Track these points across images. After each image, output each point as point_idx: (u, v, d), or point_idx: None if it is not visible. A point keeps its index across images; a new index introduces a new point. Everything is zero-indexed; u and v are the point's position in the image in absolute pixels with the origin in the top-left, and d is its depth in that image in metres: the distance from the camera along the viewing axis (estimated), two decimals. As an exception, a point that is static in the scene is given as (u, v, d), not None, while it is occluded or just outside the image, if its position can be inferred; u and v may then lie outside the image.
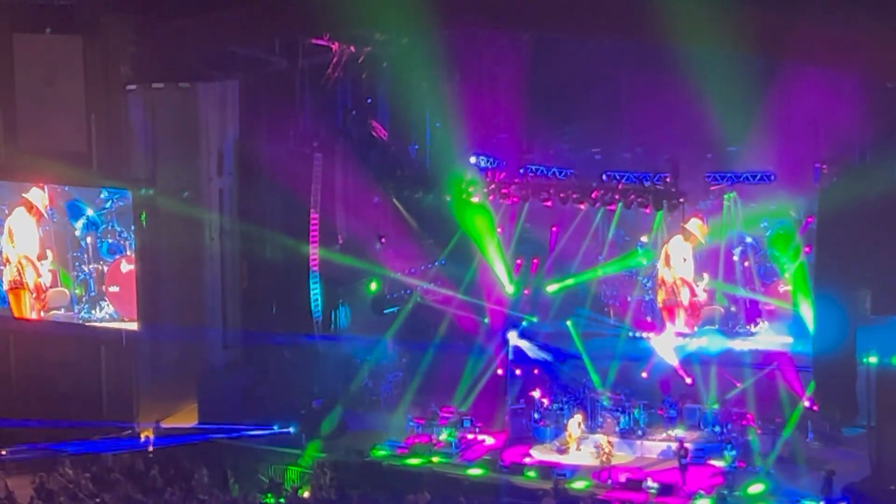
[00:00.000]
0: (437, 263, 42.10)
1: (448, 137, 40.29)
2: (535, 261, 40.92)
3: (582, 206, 39.19)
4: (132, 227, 37.73)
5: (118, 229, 37.95)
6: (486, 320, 41.14)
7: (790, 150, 36.81)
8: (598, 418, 37.43)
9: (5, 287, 38.95)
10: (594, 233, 40.15)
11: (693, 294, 38.77)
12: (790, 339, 37.76)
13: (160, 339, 38.79)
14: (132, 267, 37.89)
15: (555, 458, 36.42)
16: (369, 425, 38.69)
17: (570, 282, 40.21)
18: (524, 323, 40.52)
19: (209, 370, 39.90)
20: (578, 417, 37.02)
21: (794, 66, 34.22)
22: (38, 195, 38.18)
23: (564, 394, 38.59)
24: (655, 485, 33.84)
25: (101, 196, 37.96)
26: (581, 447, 36.64)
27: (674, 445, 35.51)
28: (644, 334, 39.58)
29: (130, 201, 37.60)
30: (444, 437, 37.18)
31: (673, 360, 38.44)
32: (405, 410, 38.74)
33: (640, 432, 37.05)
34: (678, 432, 36.60)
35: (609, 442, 35.57)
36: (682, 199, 37.73)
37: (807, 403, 36.44)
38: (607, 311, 40.46)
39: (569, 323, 39.83)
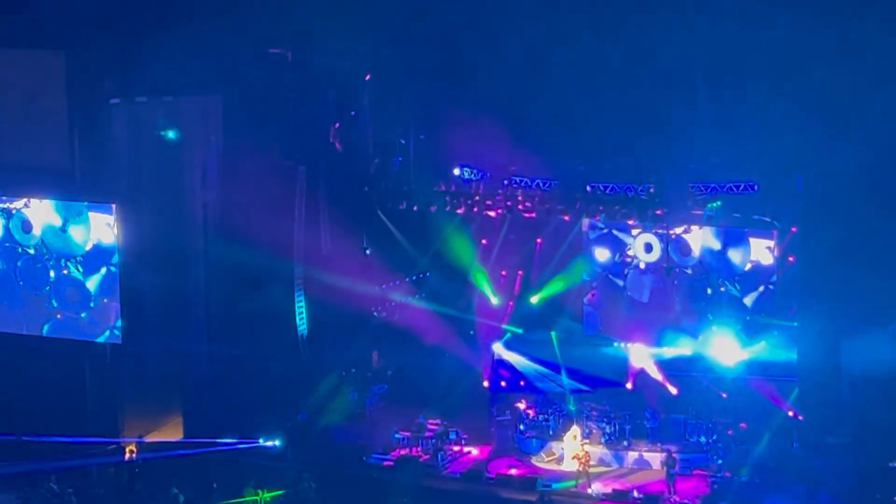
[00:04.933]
0: (421, 275, 42.11)
1: (432, 149, 40.27)
2: (519, 272, 40.96)
3: (566, 218, 39.21)
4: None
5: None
6: (472, 332, 41.18)
7: (773, 159, 36.86)
8: (584, 429, 37.42)
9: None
10: (579, 244, 40.25)
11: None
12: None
13: (145, 354, 38.73)
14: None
15: (554, 467, 36.46)
16: (355, 438, 38.61)
17: (553, 292, 40.25)
18: (509, 334, 40.57)
19: (194, 384, 39.78)
20: (576, 430, 36.88)
21: (776, 75, 34.32)
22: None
23: (549, 405, 38.60)
24: (641, 495, 33.86)
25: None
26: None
27: (659, 456, 35.50)
28: (624, 344, 39.64)
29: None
30: (429, 449, 37.15)
31: (655, 371, 38.47)
32: (390, 423, 38.72)
33: (625, 443, 37.06)
34: (663, 443, 36.60)
35: (586, 453, 35.53)
36: (665, 210, 37.77)
37: (791, 413, 36.52)
38: (590, 321, 40.55)
39: (552, 333, 39.89)
